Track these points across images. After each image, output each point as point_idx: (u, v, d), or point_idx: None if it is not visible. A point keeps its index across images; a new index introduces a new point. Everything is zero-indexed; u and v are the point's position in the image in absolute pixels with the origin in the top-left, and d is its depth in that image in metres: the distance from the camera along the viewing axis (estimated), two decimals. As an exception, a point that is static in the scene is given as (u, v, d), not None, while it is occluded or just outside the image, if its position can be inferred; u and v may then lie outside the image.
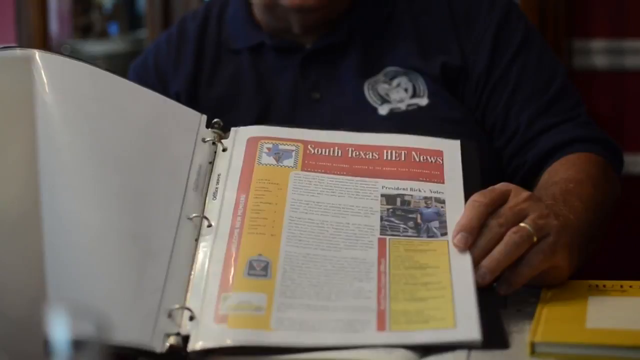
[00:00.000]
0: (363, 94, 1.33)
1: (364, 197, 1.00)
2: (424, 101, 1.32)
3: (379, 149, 1.06)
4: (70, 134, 0.95)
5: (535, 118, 1.30)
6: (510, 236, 0.94)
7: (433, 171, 1.03)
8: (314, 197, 1.00)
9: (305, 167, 1.03)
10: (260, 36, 1.40)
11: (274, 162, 1.03)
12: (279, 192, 1.00)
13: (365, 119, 1.31)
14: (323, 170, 1.03)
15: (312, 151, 1.05)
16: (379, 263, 0.93)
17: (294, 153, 1.05)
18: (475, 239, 0.94)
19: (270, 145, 1.05)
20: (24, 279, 0.61)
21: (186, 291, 0.92)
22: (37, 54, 0.98)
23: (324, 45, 1.36)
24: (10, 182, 0.63)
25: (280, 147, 1.05)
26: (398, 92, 1.32)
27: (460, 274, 0.91)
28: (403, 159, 1.05)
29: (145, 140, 1.02)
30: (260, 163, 1.03)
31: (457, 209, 0.98)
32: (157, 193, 0.98)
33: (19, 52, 1.01)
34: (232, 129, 1.09)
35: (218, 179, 1.03)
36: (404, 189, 1.01)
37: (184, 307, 0.89)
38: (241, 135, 1.08)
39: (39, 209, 0.64)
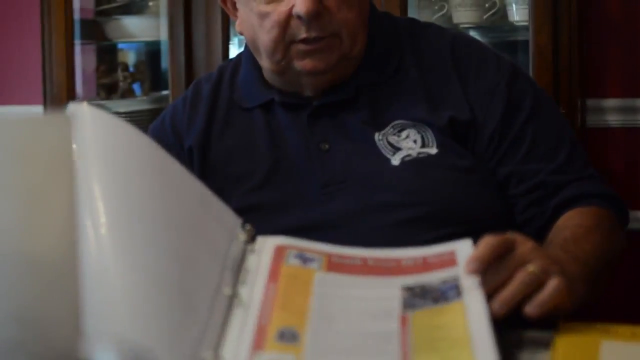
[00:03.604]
0: (375, 145, 1.36)
1: (385, 288, 1.04)
2: (433, 150, 1.35)
3: (397, 259, 1.09)
4: (114, 195, 0.98)
5: (551, 175, 1.35)
6: (521, 275, 0.99)
7: (447, 262, 1.06)
8: (338, 290, 1.03)
9: (330, 269, 1.07)
10: (270, 94, 1.44)
11: (301, 263, 1.07)
12: (305, 285, 1.03)
13: (378, 168, 1.34)
14: (347, 272, 1.07)
15: (336, 260, 1.09)
16: (402, 333, 0.96)
17: (317, 261, 1.08)
18: (485, 270, 0.99)
19: (296, 252, 1.09)
20: (64, 318, 0.64)
21: (220, 346, 0.94)
22: (87, 109, 1.01)
23: (331, 101, 1.40)
24: (51, 231, 0.67)
25: (306, 255, 1.09)
26: (407, 143, 1.36)
27: (477, 328, 0.93)
28: (420, 263, 1.08)
29: (187, 219, 1.04)
30: (288, 264, 1.07)
31: (471, 277, 1.01)
32: (197, 263, 1.00)
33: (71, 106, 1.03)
34: (259, 237, 1.11)
35: (248, 272, 1.05)
36: (421, 279, 1.05)
37: (217, 358, 0.91)
38: (269, 243, 1.10)
39: (77, 260, 0.67)
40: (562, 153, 1.36)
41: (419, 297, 1.01)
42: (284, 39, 1.34)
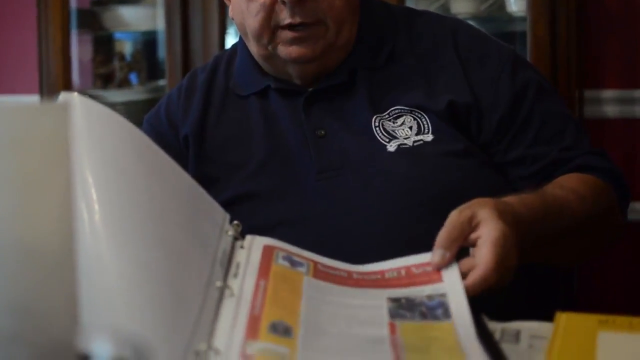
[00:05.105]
0: (371, 131, 1.36)
1: (371, 299, 1.04)
2: (428, 137, 1.35)
3: (381, 272, 1.10)
4: (107, 184, 0.98)
5: (561, 153, 1.38)
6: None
7: (432, 277, 1.06)
8: (326, 296, 1.03)
9: (316, 276, 1.07)
10: (265, 81, 1.44)
11: (289, 265, 1.07)
12: (295, 285, 1.03)
13: (374, 154, 1.34)
14: (332, 282, 1.07)
15: (321, 269, 1.09)
16: (392, 339, 0.95)
17: (305, 266, 1.08)
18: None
19: (285, 255, 1.09)
20: (62, 308, 0.64)
21: (213, 336, 0.94)
22: (79, 100, 1.01)
23: (326, 87, 1.40)
24: (47, 219, 0.66)
25: (294, 258, 1.09)
26: (403, 130, 1.36)
27: (468, 344, 0.93)
28: (403, 274, 1.08)
29: (178, 211, 1.04)
30: (277, 263, 1.07)
31: (458, 296, 1.01)
32: (189, 255, 1.00)
33: (62, 96, 1.03)
34: (248, 236, 1.11)
35: (238, 265, 1.05)
36: (407, 293, 1.05)
37: (210, 348, 0.91)
38: (257, 241, 1.11)
39: (73, 249, 0.67)
40: (569, 133, 1.39)
41: (406, 309, 1.01)
42: (270, 23, 1.35)
